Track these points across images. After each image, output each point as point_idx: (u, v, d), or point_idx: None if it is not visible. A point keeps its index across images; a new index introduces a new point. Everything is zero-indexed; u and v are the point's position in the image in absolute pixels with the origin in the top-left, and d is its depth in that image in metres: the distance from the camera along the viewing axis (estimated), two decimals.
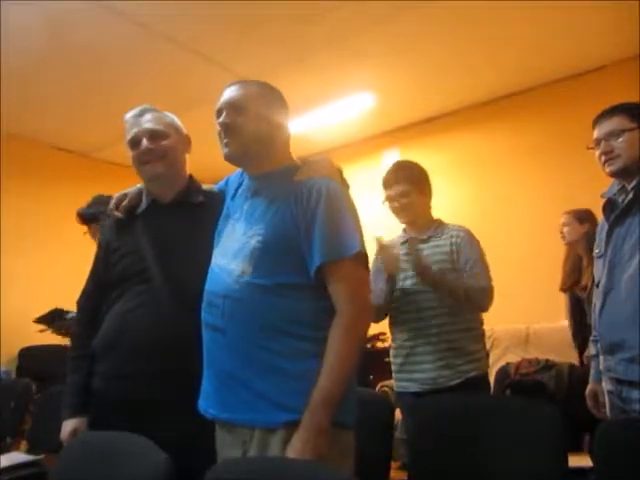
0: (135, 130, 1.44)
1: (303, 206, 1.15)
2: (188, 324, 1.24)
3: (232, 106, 1.25)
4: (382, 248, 1.94)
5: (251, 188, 1.29)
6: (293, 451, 1.03)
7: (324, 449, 1.03)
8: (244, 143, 1.24)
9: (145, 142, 1.42)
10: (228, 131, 1.24)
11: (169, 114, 1.51)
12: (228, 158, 1.26)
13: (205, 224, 1.36)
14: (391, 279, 1.94)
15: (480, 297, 1.89)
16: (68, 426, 1.40)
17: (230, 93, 1.27)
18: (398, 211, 2.05)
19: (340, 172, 1.31)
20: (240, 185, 1.35)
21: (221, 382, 1.18)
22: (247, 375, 1.13)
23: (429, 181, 2.09)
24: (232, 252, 1.21)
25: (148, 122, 1.45)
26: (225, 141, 1.25)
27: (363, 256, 1.16)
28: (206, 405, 1.21)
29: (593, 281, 1.69)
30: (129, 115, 1.48)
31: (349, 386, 1.13)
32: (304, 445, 1.02)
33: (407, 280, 1.97)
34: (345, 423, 1.13)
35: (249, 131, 1.23)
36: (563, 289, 3.03)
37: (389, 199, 2.06)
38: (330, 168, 1.29)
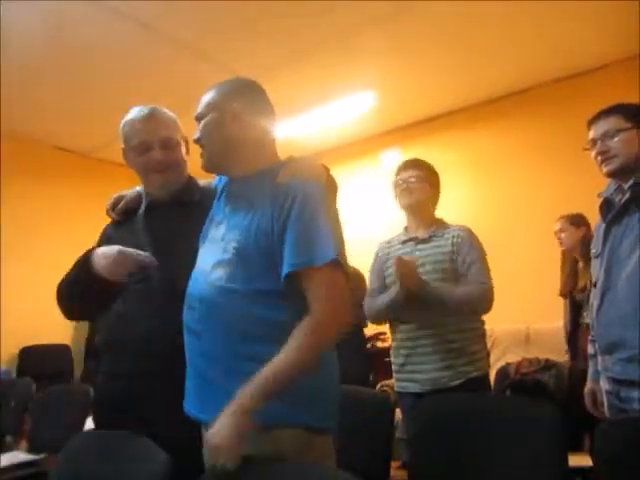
0: (145, 136, 1.41)
1: (279, 209, 1.12)
2: None
3: (198, 118, 1.26)
4: (402, 264, 1.86)
5: (232, 190, 1.29)
6: (216, 424, 1.00)
7: (246, 427, 0.99)
8: (214, 151, 1.24)
9: (158, 152, 1.40)
10: (200, 145, 1.26)
11: (172, 114, 1.49)
12: (203, 169, 1.28)
13: (202, 222, 1.36)
14: (403, 293, 1.88)
15: (478, 301, 1.89)
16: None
17: (200, 102, 1.27)
18: (404, 193, 2.03)
19: (326, 171, 1.28)
20: (224, 187, 1.34)
21: (197, 384, 1.18)
22: (220, 378, 1.12)
23: (439, 182, 2.11)
24: (211, 256, 1.21)
25: (160, 128, 1.42)
26: (200, 152, 1.27)
27: (338, 262, 1.12)
28: (188, 405, 1.21)
29: (591, 282, 1.68)
30: (135, 115, 1.44)
31: (317, 387, 1.11)
32: (227, 419, 0.99)
33: None
34: (321, 427, 1.12)
35: (217, 137, 1.23)
36: (562, 294, 3.04)
37: (397, 184, 2.06)
38: (314, 167, 1.25)
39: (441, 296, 1.86)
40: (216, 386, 1.13)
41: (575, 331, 2.91)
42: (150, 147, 1.41)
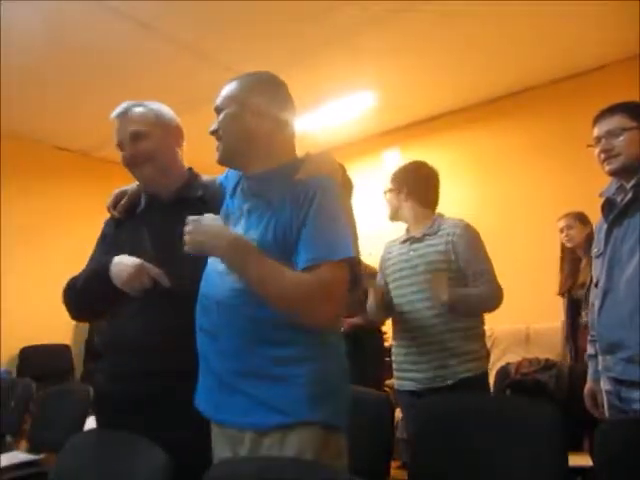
0: (118, 136, 1.42)
1: (298, 207, 1.12)
2: (188, 323, 1.24)
3: (218, 109, 1.25)
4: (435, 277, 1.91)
5: (250, 188, 1.26)
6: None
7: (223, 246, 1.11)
8: (232, 144, 1.22)
9: (127, 148, 1.40)
10: (217, 137, 1.24)
11: (155, 107, 1.46)
12: (219, 162, 1.26)
13: None
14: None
15: (491, 301, 1.90)
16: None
17: (220, 94, 1.26)
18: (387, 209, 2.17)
19: (342, 170, 1.28)
20: (239, 183, 1.32)
21: (213, 384, 1.18)
22: (238, 380, 1.12)
23: (421, 180, 2.08)
24: None
25: (130, 124, 1.41)
26: (217, 145, 1.25)
27: (350, 261, 1.12)
28: (201, 404, 1.21)
29: (591, 281, 1.68)
30: (114, 114, 1.44)
31: (332, 385, 1.12)
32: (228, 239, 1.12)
33: (405, 280, 1.98)
34: (336, 425, 1.12)
35: (236, 130, 1.21)
36: (561, 293, 3.03)
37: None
38: (331, 166, 1.26)
39: (462, 301, 1.86)
40: (232, 387, 1.13)
41: (574, 331, 2.91)
42: (122, 145, 1.41)
